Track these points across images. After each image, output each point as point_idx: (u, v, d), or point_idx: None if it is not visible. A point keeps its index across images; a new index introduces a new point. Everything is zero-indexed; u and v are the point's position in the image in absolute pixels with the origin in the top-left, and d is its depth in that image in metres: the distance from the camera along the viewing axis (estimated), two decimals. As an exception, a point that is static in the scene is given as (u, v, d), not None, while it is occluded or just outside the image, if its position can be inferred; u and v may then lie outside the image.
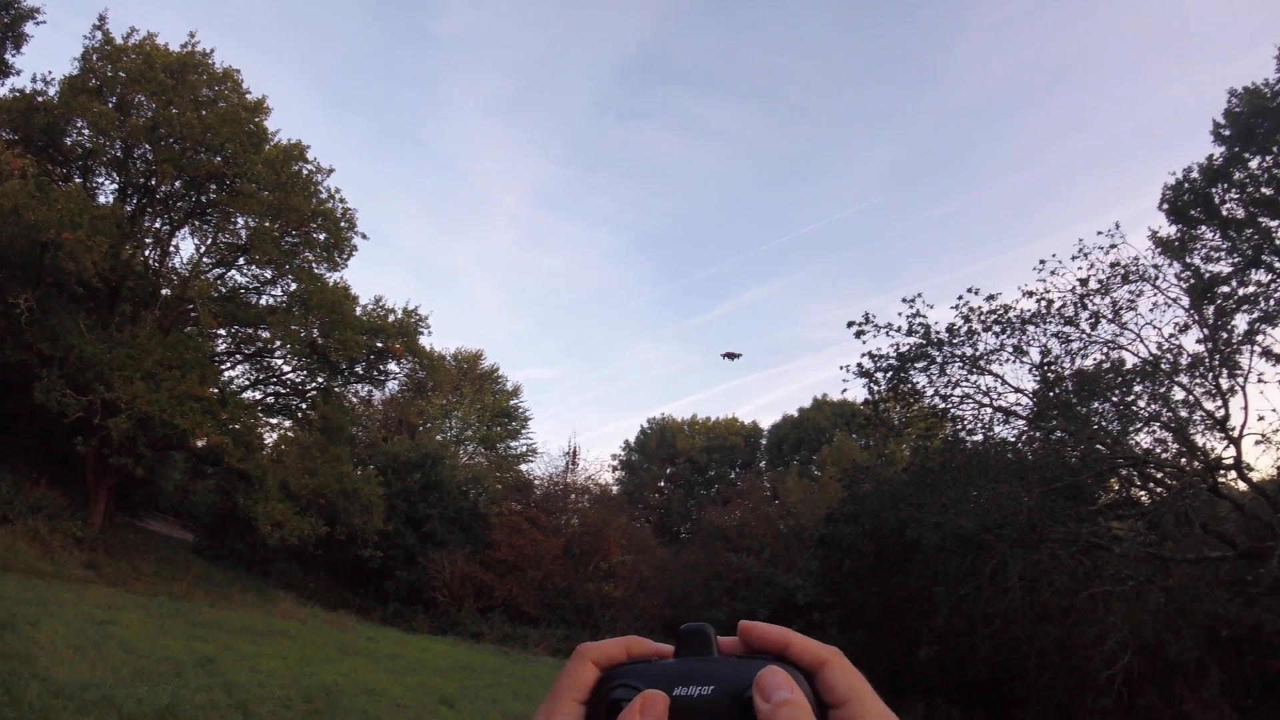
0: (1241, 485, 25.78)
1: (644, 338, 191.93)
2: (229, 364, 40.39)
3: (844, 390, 38.94)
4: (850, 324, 28.41)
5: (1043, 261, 26.77)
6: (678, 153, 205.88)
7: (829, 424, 71.45)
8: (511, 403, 70.38)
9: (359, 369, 41.60)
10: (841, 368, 31.39)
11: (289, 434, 42.00)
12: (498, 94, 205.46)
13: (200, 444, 35.23)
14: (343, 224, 37.51)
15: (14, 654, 13.88)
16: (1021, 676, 26.24)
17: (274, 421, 42.42)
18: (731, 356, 47.73)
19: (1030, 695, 26.40)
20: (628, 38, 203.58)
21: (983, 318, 27.36)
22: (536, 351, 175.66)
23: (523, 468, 60.97)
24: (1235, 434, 24.34)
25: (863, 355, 29.31)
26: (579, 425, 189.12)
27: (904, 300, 28.20)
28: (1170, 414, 25.38)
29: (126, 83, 33.12)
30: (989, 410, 28.19)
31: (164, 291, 36.36)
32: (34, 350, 30.28)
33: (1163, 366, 25.36)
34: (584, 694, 1.06)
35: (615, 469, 71.24)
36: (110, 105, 32.95)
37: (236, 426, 33.54)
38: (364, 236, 38.68)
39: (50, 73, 34.12)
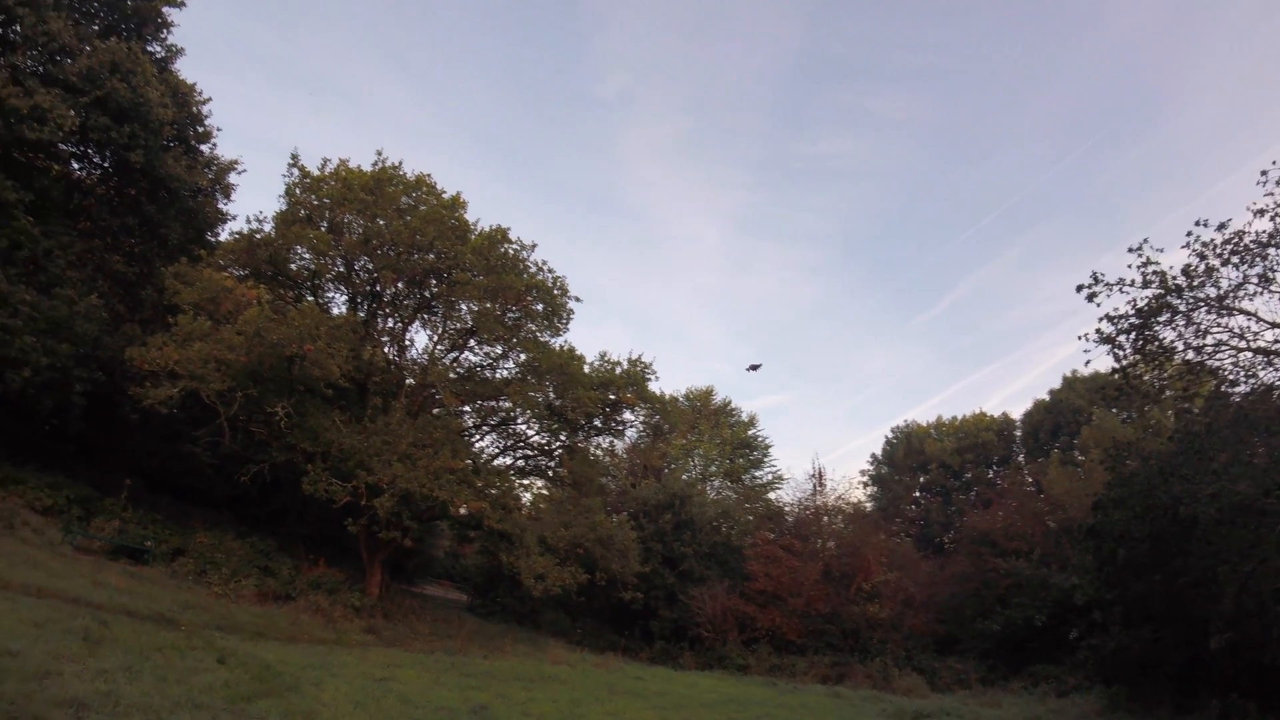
0: None
1: (870, 346, 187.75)
2: (477, 436, 42.79)
3: (1087, 362, 35.54)
4: (1080, 288, 25.53)
5: (1264, 173, 23.21)
6: (857, 150, 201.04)
7: (1084, 402, 66.95)
8: (750, 433, 70.18)
9: (597, 423, 43.13)
10: (1080, 337, 28.63)
11: (542, 491, 45.01)
12: (675, 136, 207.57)
13: (461, 511, 36.99)
14: (555, 291, 39.32)
15: (298, 711, 15.57)
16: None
17: (526, 482, 45.24)
18: (754, 368, 47.19)
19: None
20: (783, 48, 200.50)
21: (1218, 250, 24.08)
22: (765, 379, 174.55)
23: (770, 496, 61.31)
24: None
25: (1099, 320, 26.26)
26: (820, 446, 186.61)
27: (1130, 250, 25.08)
28: None
29: (332, 207, 36.77)
30: (1248, 354, 25.08)
31: (407, 381, 39.29)
32: (298, 449, 33.83)
33: None
34: None
35: (865, 484, 69.50)
36: (323, 228, 36.67)
37: (493, 491, 35.72)
38: (578, 299, 40.32)
39: (262, 212, 37.85)
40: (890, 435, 73.41)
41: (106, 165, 37.71)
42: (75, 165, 37.93)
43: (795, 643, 43.29)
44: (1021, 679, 36.44)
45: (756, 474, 69.07)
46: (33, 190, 32.87)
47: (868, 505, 61.00)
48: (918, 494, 68.09)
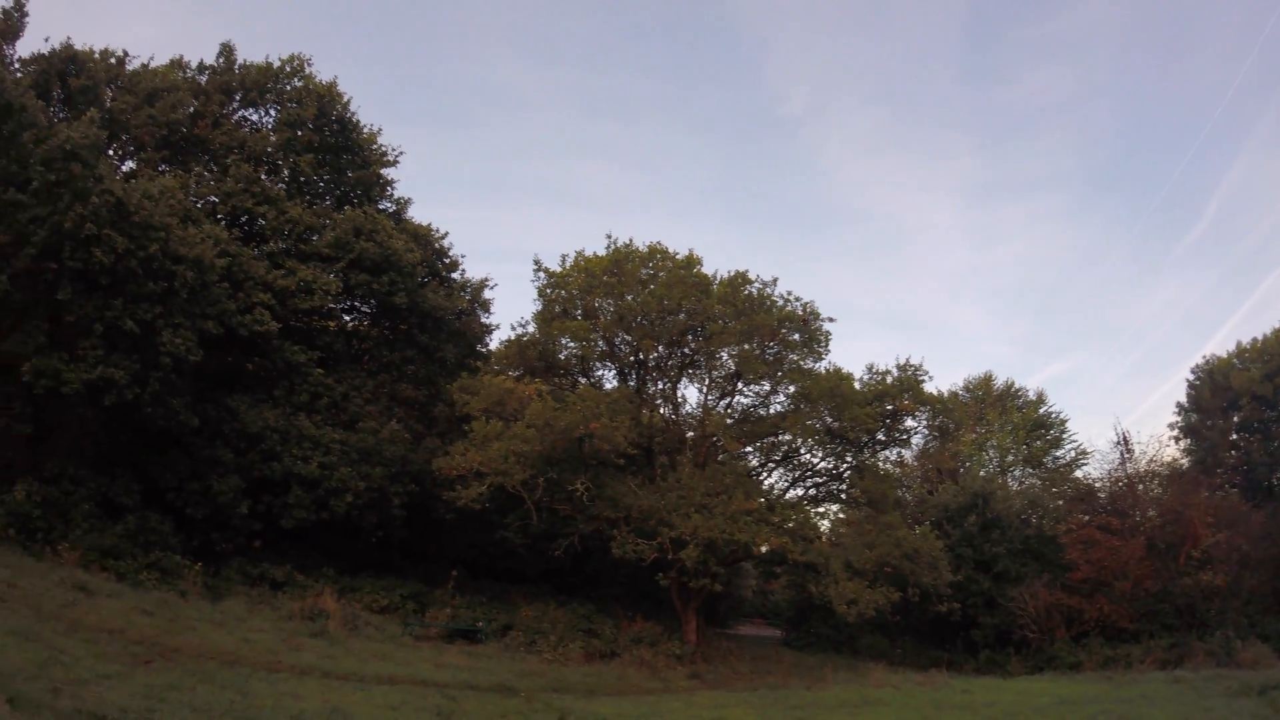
0: None
1: (1143, 284, 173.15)
2: (764, 474, 43.83)
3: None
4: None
5: None
6: (1061, 78, 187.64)
7: None
8: (1040, 411, 66.92)
9: (880, 437, 42.90)
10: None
11: (839, 516, 45.11)
12: (875, 129, 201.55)
13: (763, 550, 37.99)
14: (807, 318, 39.70)
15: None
16: None
17: (821, 510, 45.49)
18: None
19: None
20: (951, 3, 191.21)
21: None
22: (1042, 348, 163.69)
23: (1077, 475, 58.16)
24: None
25: None
26: (1119, 408, 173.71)
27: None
28: None
29: (581, 295, 39.48)
30: None
31: (688, 435, 40.90)
32: (601, 518, 36.16)
33: None
34: None
35: (1176, 439, 64.02)
36: (579, 316, 39.31)
37: (790, 525, 36.43)
38: (830, 320, 40.43)
39: (523, 317, 40.97)
40: (1191, 377, 65.75)
41: (374, 311, 42.29)
42: (346, 318, 42.97)
43: (1127, 629, 40.82)
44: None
45: (1057, 454, 65.48)
46: (317, 348, 37.90)
47: (1183, 462, 56.35)
48: (1234, 436, 61.52)
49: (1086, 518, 46.97)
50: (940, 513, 48.55)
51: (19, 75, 32.19)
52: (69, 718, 11.88)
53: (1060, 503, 51.17)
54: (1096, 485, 51.01)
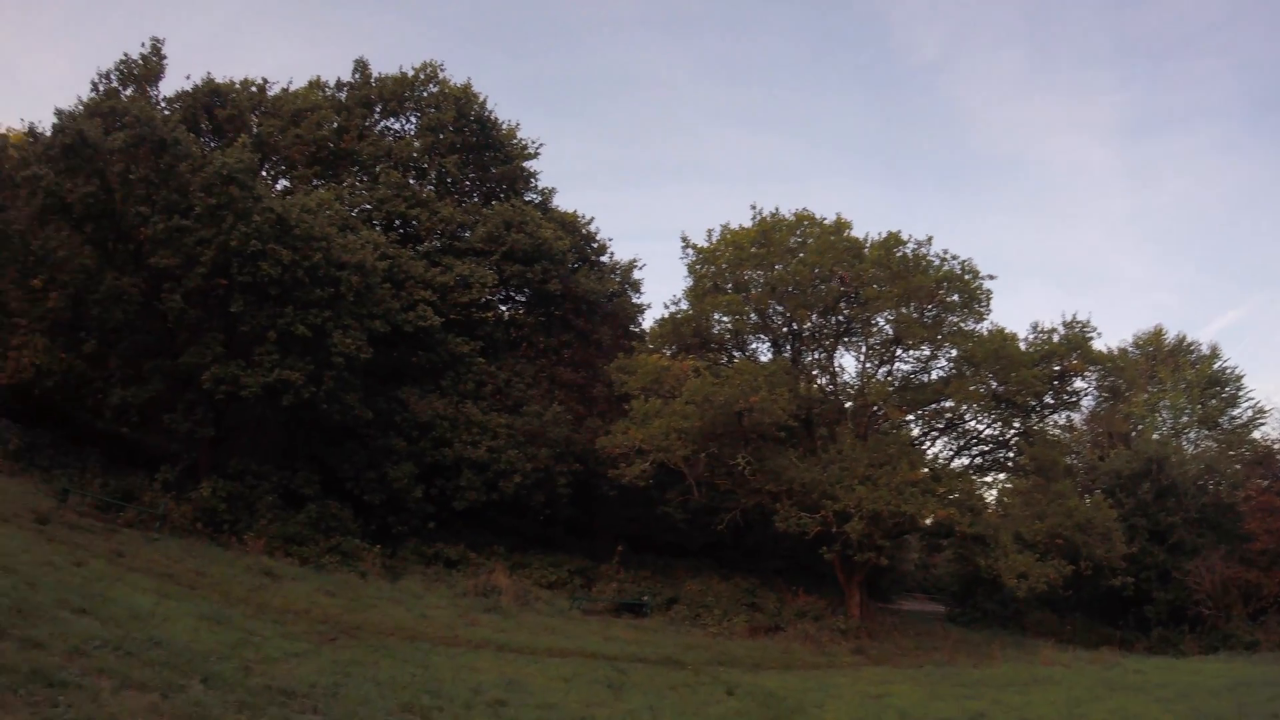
0: None
1: None
2: (928, 443, 42.73)
3: None
4: None
5: None
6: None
7: None
8: (1215, 366, 61.52)
9: (1047, 400, 41.10)
10: None
11: (1006, 486, 43.31)
12: (1016, 69, 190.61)
13: (928, 522, 37.06)
14: (966, 277, 38.22)
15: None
16: None
17: (988, 480, 43.76)
18: None
19: None
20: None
21: None
22: (1211, 296, 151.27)
23: (1254, 436, 54.53)
24: None
25: None
26: None
27: None
28: None
29: (731, 269, 39.61)
30: None
31: (847, 405, 40.42)
32: (763, 492, 36.24)
33: None
34: None
35: None
36: (729, 290, 39.47)
37: (955, 496, 35.58)
38: (991, 277, 38.82)
39: (676, 296, 41.19)
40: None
41: (530, 299, 43.54)
42: (503, 308, 44.57)
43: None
44: None
45: (1233, 413, 60.03)
46: (478, 338, 39.61)
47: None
48: None
49: (1266, 483, 44.50)
50: (1112, 480, 46.51)
51: (167, 113, 34.78)
52: (260, 694, 12.42)
53: (1238, 467, 48.50)
54: (1276, 447, 48.29)
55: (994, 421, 41.49)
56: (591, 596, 35.17)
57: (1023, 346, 38.82)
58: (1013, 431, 41.60)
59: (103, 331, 31.04)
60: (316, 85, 43.34)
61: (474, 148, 44.29)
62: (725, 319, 40.39)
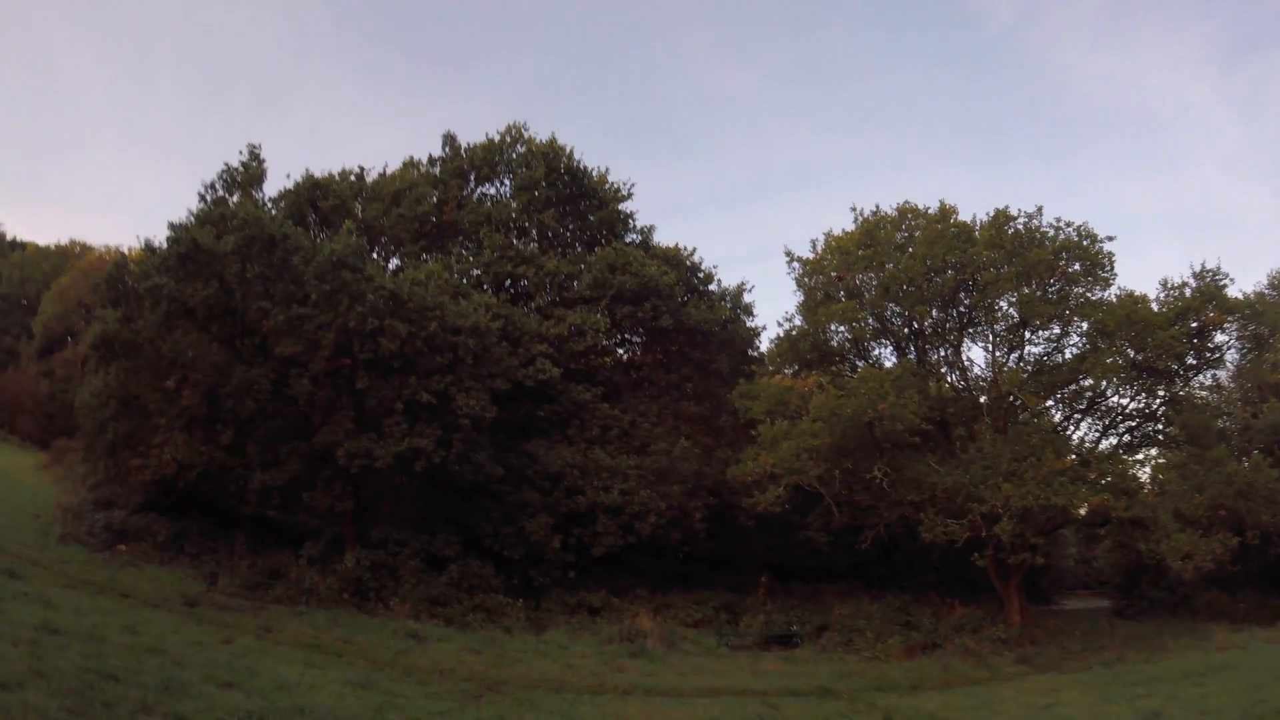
0: None
1: None
2: (1071, 428, 40.65)
3: None
4: None
5: None
6: None
7: None
8: None
9: (1189, 360, 38.34)
10: None
11: (1159, 460, 40.48)
12: (1099, 12, 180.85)
13: (1082, 512, 35.72)
14: (1085, 243, 36.61)
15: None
16: None
17: (1139, 457, 40.98)
18: None
19: None
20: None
21: None
22: None
23: None
24: None
25: None
26: None
27: None
28: None
29: (841, 275, 38.99)
30: None
31: (981, 400, 39.03)
32: (904, 503, 35.10)
33: None
34: None
35: None
36: (842, 298, 38.95)
37: (1108, 480, 33.69)
38: (1110, 239, 37.01)
39: (788, 312, 41.08)
40: None
41: (644, 339, 44.12)
42: (620, 351, 45.00)
43: None
44: None
45: None
46: (598, 384, 40.22)
47: None
48: None
49: None
50: (1269, 436, 43.54)
51: (274, 212, 36.44)
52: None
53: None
54: None
55: (1137, 393, 39.00)
56: (738, 631, 34.55)
57: (1155, 308, 36.41)
58: (1158, 401, 39.10)
59: (238, 421, 32.42)
60: (411, 164, 45.00)
61: (569, 199, 44.97)
62: (842, 328, 39.72)
